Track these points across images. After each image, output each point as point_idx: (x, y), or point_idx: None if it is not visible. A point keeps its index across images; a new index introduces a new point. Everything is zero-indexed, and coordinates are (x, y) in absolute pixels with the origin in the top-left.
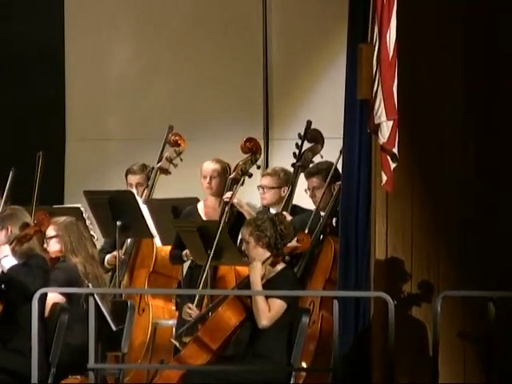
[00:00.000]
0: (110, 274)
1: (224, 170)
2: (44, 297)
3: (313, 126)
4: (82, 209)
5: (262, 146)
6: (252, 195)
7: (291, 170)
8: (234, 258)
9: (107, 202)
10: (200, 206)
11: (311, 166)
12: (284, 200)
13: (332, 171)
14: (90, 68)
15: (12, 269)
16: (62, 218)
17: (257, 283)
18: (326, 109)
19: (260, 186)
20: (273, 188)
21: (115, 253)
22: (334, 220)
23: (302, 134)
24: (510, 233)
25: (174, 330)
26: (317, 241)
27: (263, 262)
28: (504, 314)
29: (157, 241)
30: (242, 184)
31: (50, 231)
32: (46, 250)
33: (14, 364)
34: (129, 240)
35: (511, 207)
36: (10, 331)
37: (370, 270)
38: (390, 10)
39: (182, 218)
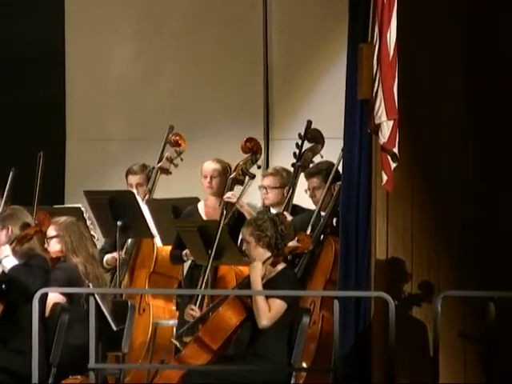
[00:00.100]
0: (110, 273)
1: (224, 170)
2: (44, 297)
3: (313, 126)
4: (83, 209)
5: (263, 146)
6: (252, 195)
7: (291, 169)
8: (234, 257)
9: (108, 202)
10: (200, 206)
11: (311, 166)
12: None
13: (332, 171)
14: (91, 68)
15: (13, 269)
16: (63, 218)
17: (257, 283)
18: (327, 109)
19: (262, 187)
20: (276, 188)
21: (114, 254)
22: (335, 220)
23: (303, 133)
24: (510, 233)
25: (174, 330)
26: (317, 241)
27: (264, 262)
28: (504, 314)
29: (157, 241)
30: (249, 186)
31: (51, 231)
32: (46, 250)
33: (14, 364)
34: (129, 240)
35: (511, 207)
36: (11, 331)
37: (371, 269)
38: (390, 10)
39: (182, 218)
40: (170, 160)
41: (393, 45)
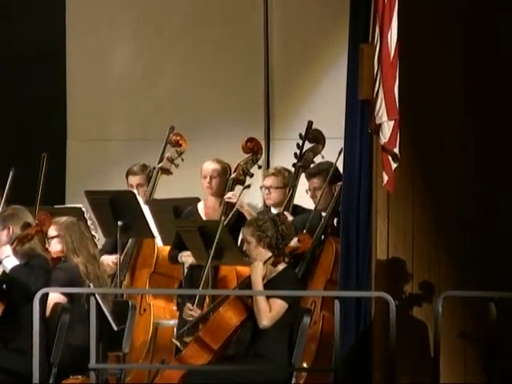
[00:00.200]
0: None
1: (224, 170)
2: (45, 297)
3: (314, 126)
4: (84, 209)
5: (263, 146)
6: (252, 195)
7: (292, 170)
8: (234, 257)
9: (108, 202)
10: (200, 206)
11: (312, 166)
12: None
13: (333, 171)
14: (91, 68)
15: (14, 269)
16: (64, 218)
17: (258, 283)
18: (327, 109)
19: (265, 187)
20: (278, 188)
21: (113, 257)
22: (335, 220)
23: (303, 134)
24: (510, 233)
25: (175, 330)
26: (318, 241)
27: (264, 262)
28: (505, 314)
29: (158, 241)
30: (249, 187)
31: (52, 231)
32: (47, 250)
33: (15, 364)
34: (130, 240)
35: (511, 207)
36: (12, 331)
37: (371, 270)
38: (391, 10)
39: (182, 218)
40: (171, 160)
41: (393, 45)
